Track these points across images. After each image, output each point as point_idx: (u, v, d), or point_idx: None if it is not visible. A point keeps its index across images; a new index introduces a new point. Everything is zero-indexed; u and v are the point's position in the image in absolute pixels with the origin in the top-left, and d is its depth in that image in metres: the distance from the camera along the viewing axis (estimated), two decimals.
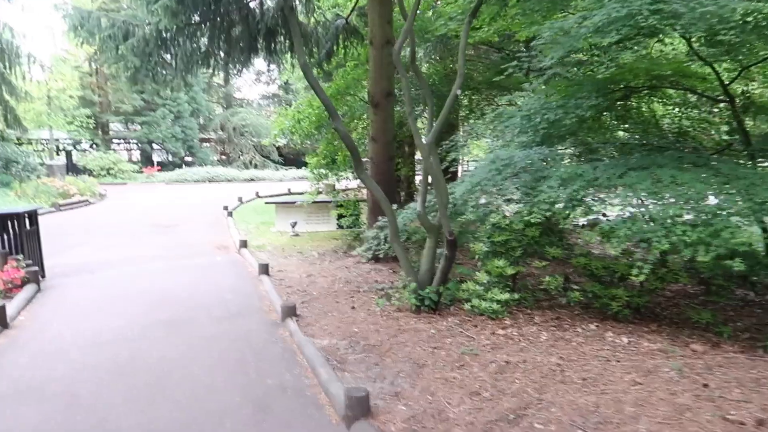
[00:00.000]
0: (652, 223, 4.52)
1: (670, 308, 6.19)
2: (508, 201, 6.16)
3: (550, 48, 5.52)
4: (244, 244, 11.21)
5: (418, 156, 13.72)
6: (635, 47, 6.38)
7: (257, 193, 22.06)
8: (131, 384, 4.53)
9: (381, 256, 8.92)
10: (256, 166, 39.82)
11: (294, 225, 12.89)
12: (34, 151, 27.51)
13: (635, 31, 4.96)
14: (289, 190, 23.79)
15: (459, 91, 5.78)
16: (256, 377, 4.65)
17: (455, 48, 12.15)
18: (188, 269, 9.40)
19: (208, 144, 42.42)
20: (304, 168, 38.73)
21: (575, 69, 7.38)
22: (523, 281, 6.78)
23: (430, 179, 5.94)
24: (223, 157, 42.34)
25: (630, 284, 5.86)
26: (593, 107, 6.03)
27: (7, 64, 18.48)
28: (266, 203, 14.30)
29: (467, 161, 19.28)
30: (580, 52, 7.14)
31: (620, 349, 4.92)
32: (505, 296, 5.71)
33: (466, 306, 5.95)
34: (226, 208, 17.34)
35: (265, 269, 8.81)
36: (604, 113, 7.10)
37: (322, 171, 12.22)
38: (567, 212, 4.80)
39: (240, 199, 19.78)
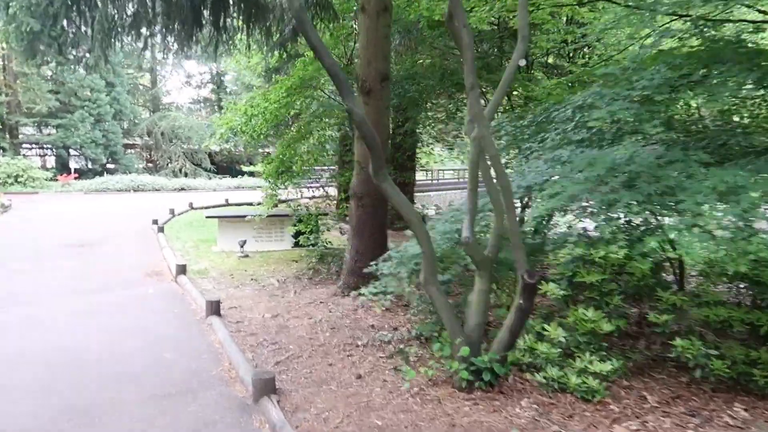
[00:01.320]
0: None
1: None
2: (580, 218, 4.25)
3: None
4: (182, 269, 8.82)
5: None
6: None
7: (191, 204, 19.36)
8: None
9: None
10: (186, 175, 36.58)
11: (243, 244, 10.57)
12: None
13: None
14: (226, 200, 21.22)
15: (523, 61, 3.86)
16: None
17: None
18: (109, 309, 6.97)
19: (132, 150, 38.78)
20: (240, 177, 36.20)
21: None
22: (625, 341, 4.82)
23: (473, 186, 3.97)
24: (150, 164, 38.81)
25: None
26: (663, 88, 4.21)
27: None
28: (207, 217, 11.84)
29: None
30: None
31: None
32: (606, 366, 3.78)
33: (537, 377, 3.98)
34: (155, 222, 14.69)
35: (215, 308, 6.53)
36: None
37: (278, 180, 9.99)
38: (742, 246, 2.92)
39: (172, 212, 17.08)
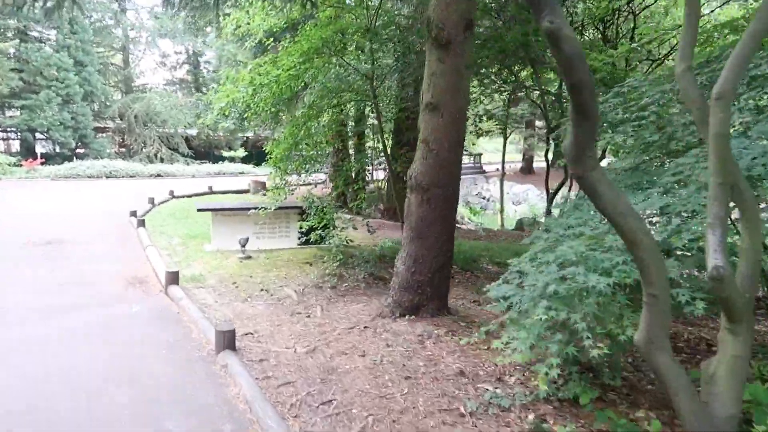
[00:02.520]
0: None
1: None
2: None
3: None
4: (173, 277, 6.99)
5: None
6: None
7: (172, 192, 17.32)
8: None
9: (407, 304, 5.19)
10: (162, 160, 34.19)
11: (245, 243, 8.73)
12: None
13: None
14: (210, 188, 19.21)
15: None
16: None
17: None
18: (79, 341, 5.14)
19: (104, 134, 36.14)
20: (221, 162, 33.96)
21: None
22: None
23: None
24: (123, 149, 36.25)
25: None
26: None
27: None
28: (199, 210, 9.92)
29: None
30: None
31: None
32: None
33: None
34: (134, 213, 12.70)
35: (228, 340, 4.76)
36: None
37: (289, 166, 8.16)
38: None
39: (151, 201, 15.06)
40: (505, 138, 19.77)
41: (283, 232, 9.85)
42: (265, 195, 11.25)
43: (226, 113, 7.30)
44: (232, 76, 7.29)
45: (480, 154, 36.80)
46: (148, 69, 46.95)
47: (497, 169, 30.84)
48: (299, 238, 9.87)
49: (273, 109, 8.06)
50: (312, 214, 8.23)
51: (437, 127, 4.72)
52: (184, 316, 5.98)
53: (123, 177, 26.33)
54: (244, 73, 7.11)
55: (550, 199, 12.83)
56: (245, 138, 41.50)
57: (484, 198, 32.41)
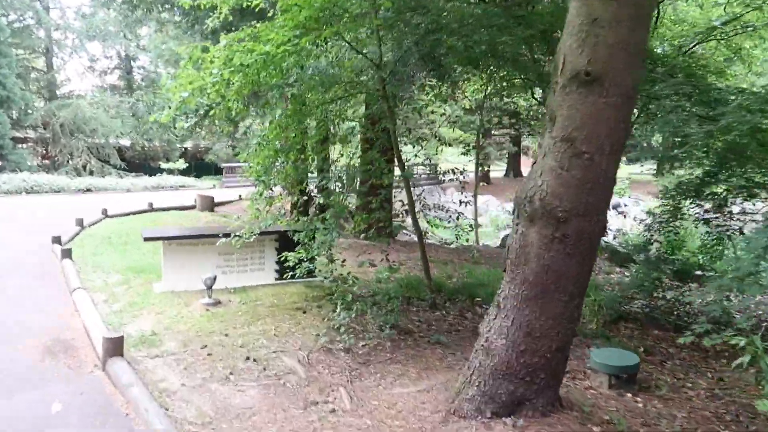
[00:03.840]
0: None
1: None
2: None
3: None
4: (115, 345, 4.69)
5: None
6: None
7: (105, 211, 14.54)
8: None
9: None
10: (92, 173, 30.72)
11: (212, 284, 6.44)
12: None
13: None
14: (151, 205, 16.47)
15: None
16: None
17: None
18: None
19: (24, 145, 32.27)
20: (159, 175, 30.77)
21: None
22: None
23: None
24: (47, 161, 32.46)
25: None
26: None
27: None
28: (147, 239, 7.43)
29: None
30: None
31: None
32: None
33: None
34: (58, 240, 10.09)
35: None
36: None
37: (273, 178, 6.01)
38: None
39: (80, 222, 12.36)
40: (479, 147, 18.25)
41: (257, 265, 7.62)
42: (224, 216, 9.09)
43: (192, 105, 5.12)
44: (196, 57, 5.15)
45: (436, 164, 35.24)
46: (75, 74, 43.00)
47: (451, 179, 29.38)
48: (277, 271, 7.68)
49: (242, 106, 5.91)
50: (306, 240, 6.06)
51: (596, 113, 2.75)
52: (136, 418, 3.76)
53: (46, 192, 23.02)
54: (216, 50, 4.98)
55: None
56: (183, 149, 38.38)
57: (442, 209, 30.83)
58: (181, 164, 33.17)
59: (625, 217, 20.07)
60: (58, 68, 34.70)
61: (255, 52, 4.88)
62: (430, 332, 5.65)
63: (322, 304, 6.41)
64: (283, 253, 6.75)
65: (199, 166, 36.89)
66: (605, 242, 13.54)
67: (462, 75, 8.68)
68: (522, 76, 8.36)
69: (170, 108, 5.28)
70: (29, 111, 31.15)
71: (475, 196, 17.92)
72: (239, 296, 6.80)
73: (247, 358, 4.82)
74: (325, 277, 6.78)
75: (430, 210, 7.73)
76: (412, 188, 6.81)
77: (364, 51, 6.32)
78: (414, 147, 7.83)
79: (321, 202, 6.85)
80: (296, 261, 6.52)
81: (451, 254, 11.16)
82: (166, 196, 21.90)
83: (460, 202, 7.66)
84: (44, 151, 33.06)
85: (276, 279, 7.66)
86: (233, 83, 5.23)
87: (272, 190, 6.32)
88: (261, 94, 7.10)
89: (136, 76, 36.59)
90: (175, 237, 7.14)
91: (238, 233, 6.28)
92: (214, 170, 37.59)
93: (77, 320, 5.94)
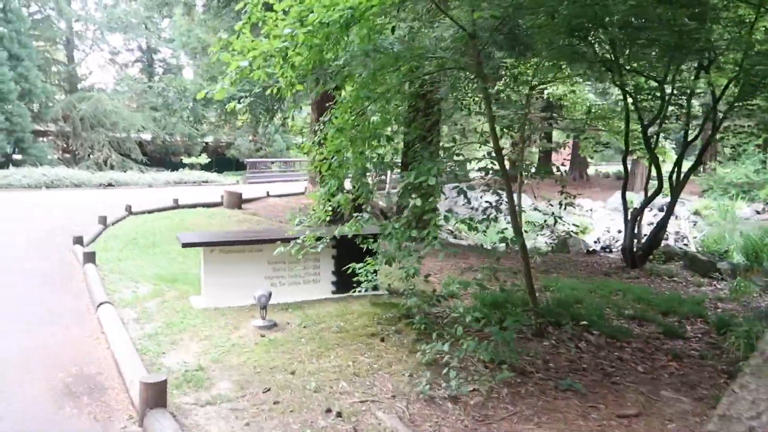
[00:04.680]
0: None
1: None
2: None
3: None
4: (157, 394, 3.52)
5: None
6: None
7: (129, 207, 13.47)
8: None
9: None
10: (113, 167, 29.80)
11: (266, 303, 5.24)
12: None
13: None
14: (176, 201, 15.39)
15: None
16: None
17: None
18: None
19: (45, 138, 31.47)
20: (181, 170, 29.70)
21: None
22: None
23: None
24: (67, 155, 31.64)
25: None
26: None
27: None
28: (186, 245, 6.17)
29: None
30: None
31: None
32: None
33: None
34: (79, 240, 9.00)
35: None
36: None
37: (345, 170, 4.81)
38: None
39: (103, 220, 11.29)
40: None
41: (311, 276, 6.43)
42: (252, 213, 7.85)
43: (255, 77, 3.92)
44: (257, 17, 3.93)
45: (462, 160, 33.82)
46: (97, 67, 42.21)
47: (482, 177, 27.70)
48: (334, 284, 6.49)
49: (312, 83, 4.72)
50: (394, 247, 4.80)
51: None
52: None
53: (67, 187, 22.07)
54: (287, 4, 3.76)
55: (633, 218, 9.86)
56: (204, 143, 37.41)
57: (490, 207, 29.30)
58: (203, 159, 32.16)
59: (676, 218, 18.62)
60: (79, 61, 33.85)
61: (339, 5, 3.66)
62: (551, 372, 4.41)
63: (399, 328, 5.20)
64: (351, 265, 5.54)
65: (220, 162, 35.87)
66: (683, 249, 12.21)
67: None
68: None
69: (225, 81, 4.08)
70: (50, 104, 30.31)
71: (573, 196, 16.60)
72: (296, 315, 5.60)
73: (328, 411, 3.62)
74: (391, 292, 5.63)
75: (524, 212, 6.45)
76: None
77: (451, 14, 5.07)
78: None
79: (399, 201, 5.63)
80: (367, 273, 5.33)
81: (490, 259, 9.89)
82: (189, 191, 20.84)
83: (560, 204, 6.34)
84: (65, 145, 32.25)
85: (333, 292, 6.46)
86: (306, 49, 4.01)
87: (342, 189, 5.11)
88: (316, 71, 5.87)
89: (157, 68, 35.60)
90: (217, 243, 5.95)
91: (298, 239, 5.10)
92: (236, 165, 36.59)
93: (103, 347, 4.78)
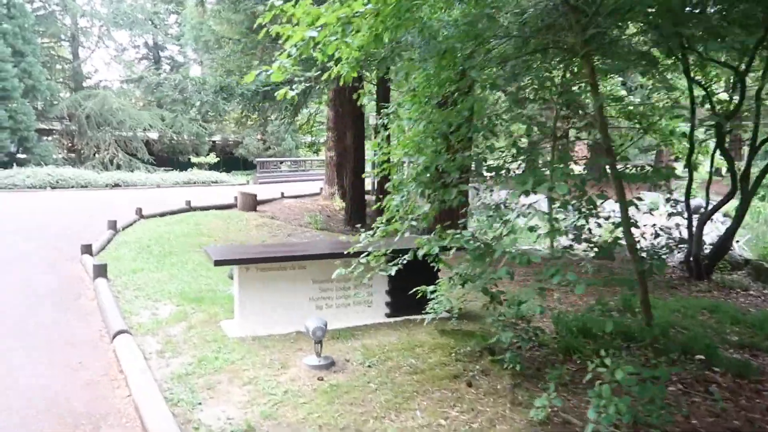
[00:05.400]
0: None
1: None
2: None
3: None
4: None
5: None
6: None
7: (140, 211, 12.48)
8: None
9: None
10: (119, 167, 28.86)
11: (320, 337, 4.23)
12: None
13: None
14: (188, 203, 14.41)
15: None
16: None
17: None
18: None
19: (50, 137, 30.51)
20: (190, 169, 28.66)
21: None
22: None
23: None
24: (72, 154, 30.69)
25: None
26: None
27: None
28: (218, 263, 5.16)
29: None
30: None
31: None
32: None
33: None
34: (88, 249, 8.03)
35: None
36: None
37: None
38: None
39: (113, 225, 10.31)
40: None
41: (362, 297, 5.43)
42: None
43: (318, 57, 2.96)
44: None
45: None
46: (102, 64, 41.29)
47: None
48: (388, 305, 5.49)
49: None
50: (474, 261, 3.80)
51: None
52: None
53: (72, 187, 21.15)
54: None
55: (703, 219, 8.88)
56: (212, 143, 36.42)
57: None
58: (212, 158, 31.19)
59: (712, 221, 17.56)
60: (84, 58, 32.90)
61: None
62: None
63: (484, 366, 4.20)
64: (421, 288, 4.54)
65: (228, 161, 34.87)
66: (742, 257, 11.18)
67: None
68: None
69: (284, 56, 3.10)
70: (54, 102, 29.35)
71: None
72: (353, 347, 4.59)
73: None
74: (459, 316, 4.68)
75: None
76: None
77: None
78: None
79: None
80: (440, 296, 4.35)
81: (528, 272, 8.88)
82: (200, 192, 19.87)
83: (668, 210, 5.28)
84: (70, 144, 31.30)
85: (387, 315, 5.47)
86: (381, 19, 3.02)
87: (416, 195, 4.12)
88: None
89: (164, 65, 34.61)
90: (255, 260, 4.95)
91: (361, 254, 4.12)
92: (243, 165, 35.61)
93: (122, 393, 3.80)
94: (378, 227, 4.02)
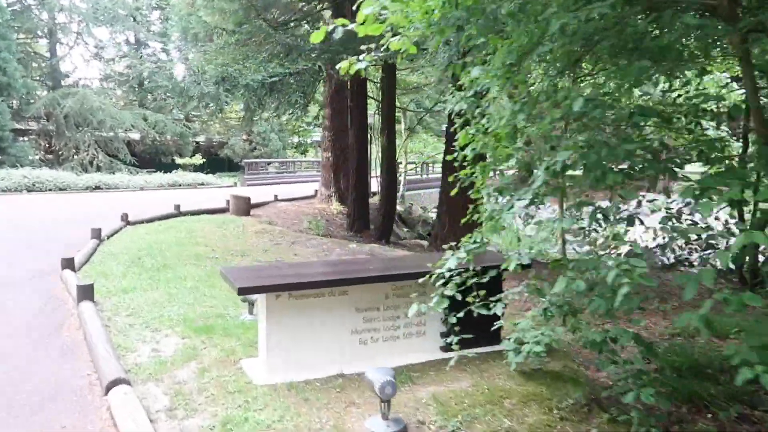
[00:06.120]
0: None
1: None
2: None
3: None
4: None
5: None
6: None
7: (125, 216, 11.26)
8: None
9: None
10: (99, 169, 27.42)
11: (390, 396, 3.19)
12: None
13: None
14: (177, 207, 13.21)
15: None
16: None
17: None
18: None
19: (26, 137, 28.92)
20: (174, 171, 27.20)
21: None
22: None
23: None
24: (50, 155, 29.13)
25: None
26: None
27: None
28: (242, 290, 4.12)
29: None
30: None
31: None
32: None
33: None
34: (70, 263, 6.86)
35: None
36: None
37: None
38: None
39: (97, 234, 9.12)
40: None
41: (414, 327, 4.40)
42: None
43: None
44: None
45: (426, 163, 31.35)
46: (81, 61, 39.63)
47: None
48: (443, 335, 4.46)
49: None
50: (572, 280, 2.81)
51: None
52: None
53: (50, 190, 19.78)
54: None
55: None
56: (196, 143, 35.08)
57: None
58: (198, 159, 29.87)
59: (716, 219, 16.87)
60: (62, 55, 31.27)
61: None
62: None
63: (600, 426, 3.20)
64: (521, 323, 3.53)
65: (213, 162, 33.55)
66: None
67: None
68: None
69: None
70: (31, 100, 27.78)
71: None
72: (423, 400, 3.55)
73: None
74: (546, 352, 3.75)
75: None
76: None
77: None
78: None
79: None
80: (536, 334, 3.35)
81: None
82: (187, 195, 18.62)
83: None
84: (47, 145, 29.70)
85: (442, 349, 4.43)
86: None
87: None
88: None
89: (147, 63, 33.16)
90: (287, 286, 3.88)
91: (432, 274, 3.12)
92: (229, 166, 34.36)
93: None
94: (473, 242, 3.02)
